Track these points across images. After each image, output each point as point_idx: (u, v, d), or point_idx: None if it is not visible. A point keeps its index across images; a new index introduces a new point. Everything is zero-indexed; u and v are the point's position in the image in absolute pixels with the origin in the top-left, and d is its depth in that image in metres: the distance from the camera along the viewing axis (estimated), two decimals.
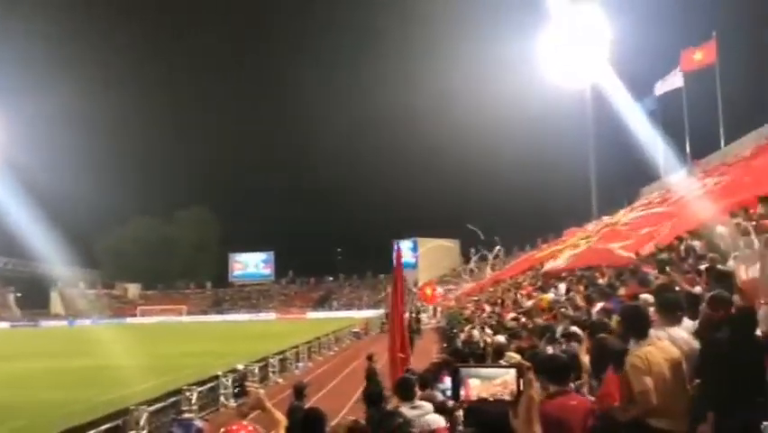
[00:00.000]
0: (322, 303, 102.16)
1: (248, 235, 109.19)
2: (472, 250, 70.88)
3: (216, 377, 18.34)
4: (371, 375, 13.87)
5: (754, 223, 11.56)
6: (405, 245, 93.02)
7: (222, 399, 17.95)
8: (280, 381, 22.71)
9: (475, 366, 3.18)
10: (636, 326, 4.68)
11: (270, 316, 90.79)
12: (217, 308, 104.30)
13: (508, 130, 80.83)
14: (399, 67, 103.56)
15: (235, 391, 18.42)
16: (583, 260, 18.53)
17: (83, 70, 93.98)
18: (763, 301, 5.09)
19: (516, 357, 7.41)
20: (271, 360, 23.58)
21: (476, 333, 14.77)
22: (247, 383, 19.34)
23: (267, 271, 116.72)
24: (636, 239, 16.37)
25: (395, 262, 12.85)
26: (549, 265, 22.87)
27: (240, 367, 20.19)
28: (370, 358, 15.28)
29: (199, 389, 16.55)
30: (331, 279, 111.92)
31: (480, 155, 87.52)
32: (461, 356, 9.81)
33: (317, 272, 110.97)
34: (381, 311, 61.99)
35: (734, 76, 38.87)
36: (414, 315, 42.32)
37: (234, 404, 17.35)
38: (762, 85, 44.66)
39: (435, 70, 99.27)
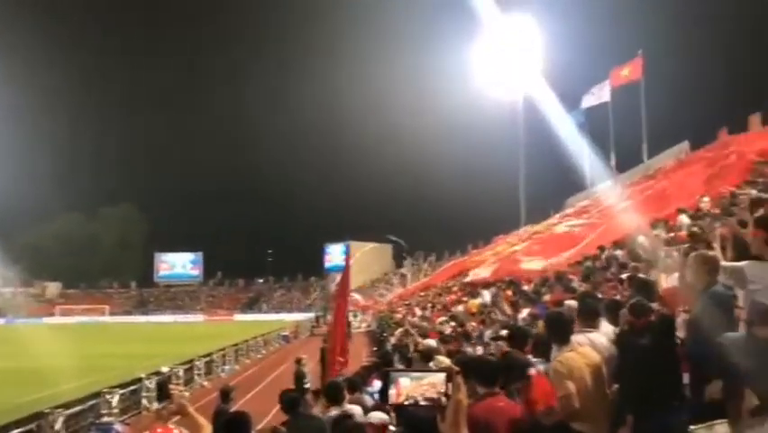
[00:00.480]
0: (251, 305, 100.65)
1: (176, 235, 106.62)
2: (405, 255, 71.39)
3: (139, 379, 17.82)
4: (299, 379, 13.76)
5: (672, 234, 12.09)
6: (337, 249, 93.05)
7: (144, 402, 17.47)
8: (206, 384, 22.26)
9: (405, 370, 3.18)
10: (559, 332, 4.80)
11: (197, 318, 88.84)
12: (142, 309, 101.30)
13: (442, 137, 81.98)
14: (334, 72, 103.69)
15: (158, 394, 17.94)
16: (502, 272, 19.06)
17: (6, 60, 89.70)
18: (681, 309, 5.29)
19: (446, 361, 7.50)
20: (197, 362, 23.11)
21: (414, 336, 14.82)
22: (171, 386, 18.80)
23: (195, 272, 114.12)
24: (549, 251, 17.04)
25: (344, 264, 12.79)
26: (473, 275, 23.37)
27: (164, 369, 19.68)
28: (298, 361, 15.14)
29: (120, 391, 16.07)
30: (261, 281, 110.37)
31: (415, 161, 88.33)
32: (391, 360, 9.83)
33: (247, 274, 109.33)
34: (312, 315, 61.62)
35: (658, 93, 40.65)
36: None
37: (157, 407, 16.90)
38: (683, 102, 46.83)
39: (370, 76, 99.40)
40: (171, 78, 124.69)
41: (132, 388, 17.24)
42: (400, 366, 8.24)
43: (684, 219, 13.10)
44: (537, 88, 45.26)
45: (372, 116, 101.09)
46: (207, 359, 24.63)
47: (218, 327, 63.23)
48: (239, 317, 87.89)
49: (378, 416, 5.30)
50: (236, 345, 30.81)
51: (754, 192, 11.75)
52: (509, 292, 15.48)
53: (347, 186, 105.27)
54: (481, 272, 22.60)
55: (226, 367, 26.70)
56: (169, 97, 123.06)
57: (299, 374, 14.20)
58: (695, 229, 9.91)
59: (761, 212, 7.20)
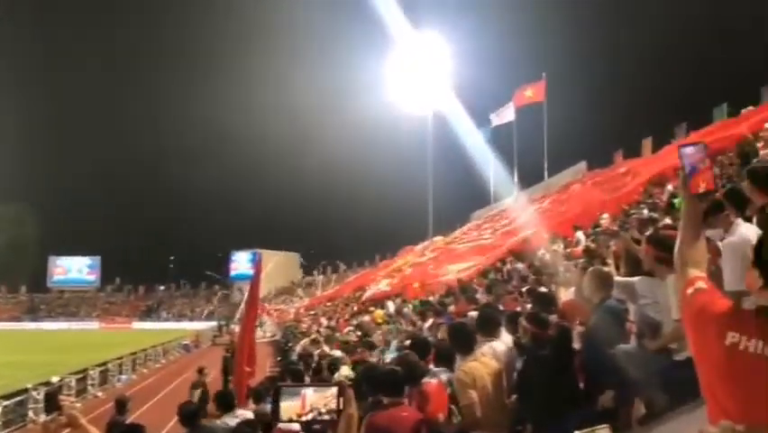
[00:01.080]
0: (150, 313, 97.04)
1: (72, 238, 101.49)
2: (304, 265, 70.97)
3: (25, 390, 16.80)
4: (200, 388, 13.39)
5: (569, 249, 12.64)
6: (244, 256, 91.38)
7: (30, 414, 16.47)
8: (100, 394, 21.28)
9: (297, 385, 3.16)
10: (463, 342, 4.91)
11: (93, 325, 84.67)
12: (32, 315, 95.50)
13: (354, 148, 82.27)
14: (247, 80, 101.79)
15: (46, 405, 16.96)
16: (398, 287, 19.41)
17: None
18: (578, 322, 5.54)
19: (349, 373, 7.54)
20: (91, 372, 22.05)
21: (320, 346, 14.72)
22: (61, 397, 17.85)
23: (91, 277, 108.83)
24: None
25: (253, 273, 12.47)
26: (370, 291, 23.62)
27: (54, 380, 18.64)
28: (200, 371, 14.73)
29: (4, 403, 15.12)
30: (162, 288, 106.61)
31: (327, 172, 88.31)
32: (295, 370, 9.73)
33: (148, 281, 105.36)
34: (214, 323, 60.10)
35: (559, 114, 42.53)
36: None
37: (45, 419, 15.98)
38: (582, 124, 49.15)
39: (283, 86, 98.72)
40: (72, 78, 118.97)
41: (17, 399, 16.25)
42: (306, 379, 8.17)
43: (580, 236, 13.73)
44: (447, 104, 46.36)
45: (284, 126, 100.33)
46: (102, 368, 23.55)
47: (115, 336, 60.53)
48: (138, 325, 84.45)
49: (287, 426, 5.23)
50: (134, 354, 29.63)
51: (645, 212, 12.47)
52: (415, 302, 15.74)
53: (257, 194, 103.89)
54: (379, 288, 22.95)
55: (123, 377, 25.61)
56: (66, 95, 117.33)
57: (200, 385, 13.81)
58: (590, 245, 10.39)
59: (651, 231, 7.66)
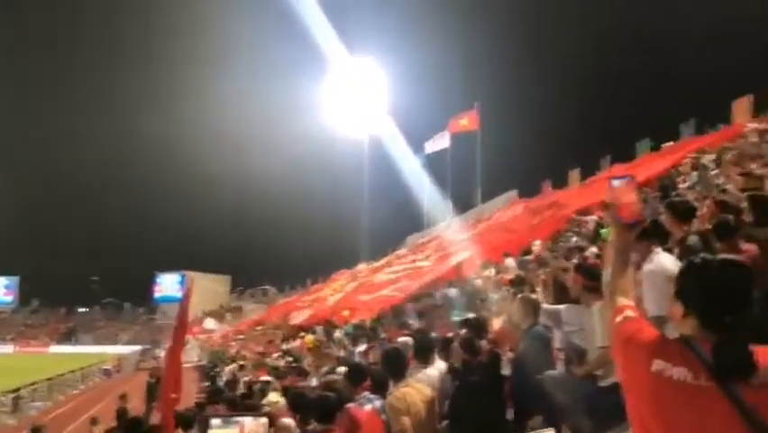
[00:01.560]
0: (69, 336, 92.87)
1: None
2: (236, 289, 69.79)
3: None
4: (122, 416, 12.88)
5: (500, 276, 12.85)
6: (172, 279, 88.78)
7: None
8: (12, 422, 20.17)
9: (227, 415, 3.10)
10: (396, 368, 4.92)
11: (7, 348, 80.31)
12: None
13: (288, 171, 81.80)
14: (180, 101, 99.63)
15: None
16: (327, 312, 19.30)
17: None
18: (508, 348, 5.63)
19: (279, 399, 7.42)
20: (2, 398, 20.92)
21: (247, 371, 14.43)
22: None
23: (8, 297, 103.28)
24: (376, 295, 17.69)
25: (183, 295, 12.11)
26: (300, 316, 23.42)
27: None
28: (122, 398, 14.18)
29: None
30: (84, 310, 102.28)
31: (260, 194, 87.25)
32: (224, 397, 9.50)
33: (69, 303, 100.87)
34: (137, 348, 58.09)
35: (493, 143, 43.55)
36: None
37: None
38: (514, 153, 50.47)
39: (215, 107, 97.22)
40: None
41: None
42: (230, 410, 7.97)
43: (510, 262, 14.01)
44: (383, 128, 46.88)
45: (217, 147, 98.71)
46: (14, 395, 22.36)
47: (31, 360, 57.55)
48: (55, 348, 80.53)
49: None
50: (50, 379, 28.26)
51: (573, 239, 12.85)
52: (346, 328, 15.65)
53: (186, 215, 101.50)
54: (300, 316, 22.78)
55: (37, 404, 24.37)
56: None
57: (121, 412, 13.29)
58: (520, 273, 10.60)
59: (578, 259, 7.90)
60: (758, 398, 1.64)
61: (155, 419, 12.83)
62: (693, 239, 5.10)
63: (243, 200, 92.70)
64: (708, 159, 15.40)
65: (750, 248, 4.69)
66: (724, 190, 6.80)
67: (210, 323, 52.96)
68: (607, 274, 2.13)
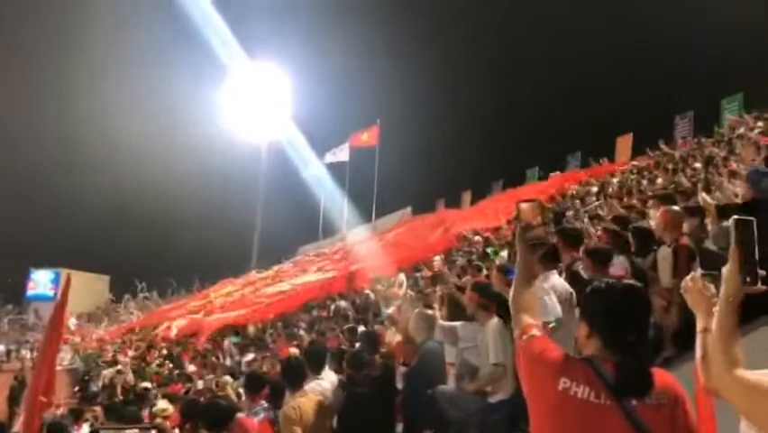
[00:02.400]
0: None
1: None
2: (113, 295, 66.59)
3: None
4: None
5: (391, 290, 12.99)
6: (44, 276, 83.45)
7: None
8: None
9: (116, 428, 2.97)
10: (294, 378, 4.87)
11: None
12: None
13: (181, 174, 79.06)
14: (60, 97, 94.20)
15: None
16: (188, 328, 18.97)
17: None
18: (400, 361, 5.71)
19: (168, 407, 7.17)
20: None
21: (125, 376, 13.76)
22: None
23: None
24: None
25: (58, 293, 11.33)
26: (162, 329, 22.93)
27: None
28: None
29: None
30: None
31: (150, 195, 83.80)
32: (100, 402, 9.05)
33: None
34: (1, 347, 54.10)
35: (390, 160, 44.13)
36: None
37: None
38: (410, 170, 51.34)
39: (104, 108, 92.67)
40: None
41: None
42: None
43: (402, 277, 14.23)
44: (283, 134, 46.57)
45: (107, 146, 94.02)
46: None
47: None
48: None
49: None
50: None
51: (462, 259, 13.22)
52: (231, 338, 15.34)
53: (68, 212, 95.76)
54: (174, 327, 22.24)
55: None
56: None
57: None
58: (416, 288, 10.76)
59: (471, 277, 8.15)
60: (654, 417, 1.77)
61: (18, 425, 11.99)
62: (579, 264, 5.41)
63: (132, 201, 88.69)
64: (592, 190, 16.32)
65: (621, 273, 5.04)
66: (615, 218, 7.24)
67: (72, 322, 50.00)
68: (513, 293, 2.21)
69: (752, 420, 1.65)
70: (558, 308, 4.44)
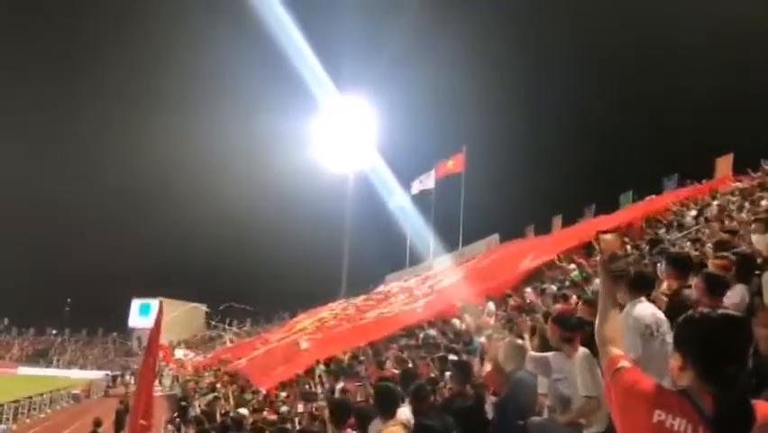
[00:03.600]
0: (39, 358, 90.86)
1: None
2: (213, 320, 68.94)
3: None
4: None
5: (482, 319, 12.87)
6: (147, 305, 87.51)
7: None
8: None
9: None
10: (386, 404, 4.87)
11: None
12: None
13: (273, 204, 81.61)
14: (166, 129, 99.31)
15: None
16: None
17: None
18: (491, 392, 5.64)
19: None
20: None
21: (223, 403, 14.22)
22: None
23: None
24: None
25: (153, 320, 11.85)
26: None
27: None
28: (96, 423, 13.90)
29: None
30: (54, 332, 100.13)
31: (242, 225, 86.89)
32: (202, 428, 9.39)
33: (40, 323, 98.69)
34: (108, 373, 57.02)
35: (477, 186, 43.85)
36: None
37: None
38: (497, 197, 50.88)
39: (202, 135, 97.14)
40: None
41: None
42: None
43: (491, 306, 14.06)
44: (370, 165, 47.30)
45: (202, 176, 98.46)
46: None
47: None
48: (24, 370, 78.72)
49: None
50: (16, 401, 27.54)
51: (554, 288, 12.92)
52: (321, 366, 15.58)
53: (165, 242, 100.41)
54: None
55: (1, 426, 23.72)
56: None
57: None
58: (505, 315, 10.62)
59: (558, 309, 7.97)
60: None
61: None
62: (687, 292, 5.19)
63: (226, 232, 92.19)
64: (690, 213, 15.69)
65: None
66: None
67: (180, 352, 52.14)
68: (598, 324, 2.21)
69: None
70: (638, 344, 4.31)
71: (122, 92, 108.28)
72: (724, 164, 23.71)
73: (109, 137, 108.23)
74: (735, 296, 5.07)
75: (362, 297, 34.91)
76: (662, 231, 14.70)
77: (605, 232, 2.30)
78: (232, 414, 10.72)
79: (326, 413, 5.50)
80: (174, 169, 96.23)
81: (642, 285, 4.88)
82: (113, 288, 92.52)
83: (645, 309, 4.63)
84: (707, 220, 13.53)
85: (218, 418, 12.38)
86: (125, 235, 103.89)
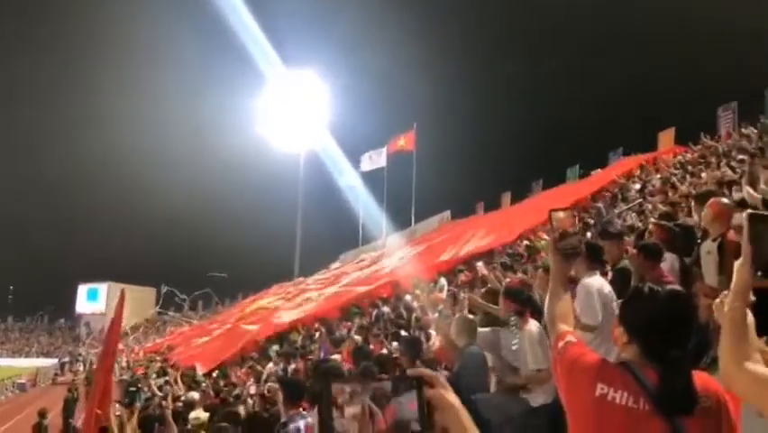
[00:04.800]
0: None
1: None
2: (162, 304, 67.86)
3: None
4: None
5: (433, 295, 12.95)
6: (95, 290, 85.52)
7: None
8: None
9: None
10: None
11: None
12: None
13: (220, 183, 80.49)
14: (107, 112, 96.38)
15: None
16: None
17: None
18: (443, 367, 5.68)
19: (200, 415, 7.33)
20: None
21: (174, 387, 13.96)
22: None
23: None
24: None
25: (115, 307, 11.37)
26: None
27: None
28: (42, 414, 13.53)
29: None
30: None
31: (191, 207, 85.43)
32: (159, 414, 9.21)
33: None
34: (55, 361, 55.67)
35: (428, 164, 44.04)
36: (96, 365, 38.67)
37: None
38: (447, 174, 51.21)
39: (147, 118, 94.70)
40: None
41: None
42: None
43: (442, 281, 14.14)
44: (320, 142, 46.86)
45: (147, 157, 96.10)
46: None
47: None
48: None
49: None
50: None
51: (507, 260, 13.10)
52: (275, 346, 15.51)
53: (111, 226, 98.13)
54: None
55: None
56: None
57: (41, 428, 12.69)
58: (455, 291, 10.69)
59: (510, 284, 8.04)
60: (695, 424, 1.72)
61: None
62: (625, 262, 5.32)
63: (174, 214, 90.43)
64: (634, 187, 16.05)
65: (670, 279, 4.92)
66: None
67: (130, 338, 51.14)
68: (548, 301, 2.21)
69: (763, 412, 1.64)
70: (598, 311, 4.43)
71: (62, 73, 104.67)
72: (666, 138, 24.34)
73: (50, 121, 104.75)
74: (665, 264, 5.26)
75: (315, 276, 34.80)
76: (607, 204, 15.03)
77: (557, 210, 2.28)
78: (183, 398, 10.55)
79: (279, 394, 5.43)
80: (118, 151, 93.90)
81: (598, 258, 4.98)
82: (58, 274, 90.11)
83: (600, 281, 4.75)
84: (651, 194, 13.87)
85: (170, 402, 12.20)
86: (70, 221, 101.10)
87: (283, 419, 4.64)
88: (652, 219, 7.99)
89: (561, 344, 2.00)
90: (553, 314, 2.13)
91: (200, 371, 16.01)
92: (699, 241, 5.54)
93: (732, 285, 1.76)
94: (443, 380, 1.07)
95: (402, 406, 1.04)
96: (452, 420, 1.02)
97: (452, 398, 1.04)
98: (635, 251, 5.29)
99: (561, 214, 2.25)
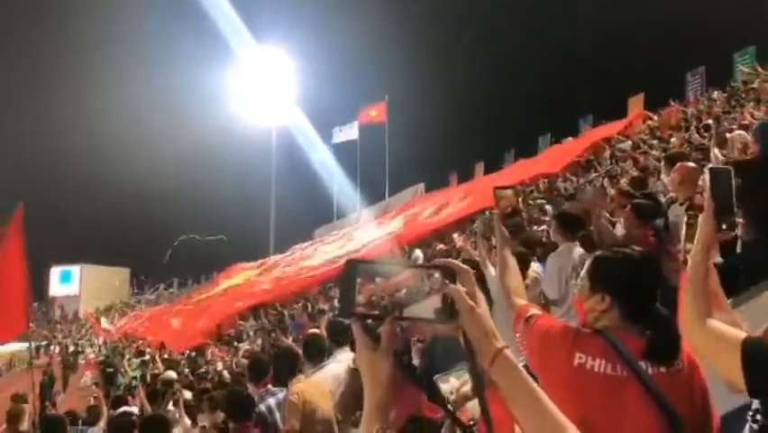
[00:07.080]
0: None
1: None
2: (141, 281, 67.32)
3: None
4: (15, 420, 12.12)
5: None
6: (67, 272, 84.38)
7: None
8: None
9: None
10: (313, 354, 4.76)
11: None
12: None
13: (192, 160, 79.51)
14: (71, 91, 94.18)
15: None
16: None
17: None
18: (417, 339, 5.67)
19: (187, 394, 7.25)
20: None
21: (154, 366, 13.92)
22: None
23: None
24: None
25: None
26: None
27: None
28: (14, 399, 13.33)
29: None
30: None
31: (162, 185, 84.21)
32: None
33: None
34: (27, 344, 54.97)
35: (400, 136, 43.86)
36: (72, 348, 38.45)
37: None
38: (421, 146, 51.13)
39: (113, 95, 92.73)
40: None
41: None
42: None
43: (418, 253, 14.21)
44: (291, 118, 46.35)
45: (117, 136, 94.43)
46: None
47: None
48: None
49: None
50: None
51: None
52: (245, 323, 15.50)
53: (83, 206, 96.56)
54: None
55: None
56: None
57: (15, 414, 12.51)
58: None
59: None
60: (671, 383, 1.73)
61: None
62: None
63: (146, 193, 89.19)
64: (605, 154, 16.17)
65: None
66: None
67: (105, 320, 50.61)
68: (499, 276, 2.25)
69: (715, 370, 1.66)
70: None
71: (24, 51, 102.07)
72: (635, 104, 24.50)
73: (17, 102, 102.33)
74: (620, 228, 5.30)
75: (288, 252, 34.61)
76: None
77: (502, 187, 2.32)
78: (161, 377, 10.50)
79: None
80: (87, 131, 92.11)
81: (572, 226, 4.95)
82: (30, 257, 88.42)
83: (569, 252, 4.75)
84: (622, 160, 13.99)
85: (148, 381, 12.17)
86: (41, 201, 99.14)
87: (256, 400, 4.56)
88: (624, 184, 8.06)
89: (525, 317, 1.99)
90: (507, 287, 2.17)
91: (175, 350, 15.97)
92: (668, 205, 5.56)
93: (695, 239, 1.77)
94: (473, 278, 1.04)
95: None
96: (466, 322, 1.01)
97: (474, 303, 1.01)
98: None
99: (506, 192, 2.29)
